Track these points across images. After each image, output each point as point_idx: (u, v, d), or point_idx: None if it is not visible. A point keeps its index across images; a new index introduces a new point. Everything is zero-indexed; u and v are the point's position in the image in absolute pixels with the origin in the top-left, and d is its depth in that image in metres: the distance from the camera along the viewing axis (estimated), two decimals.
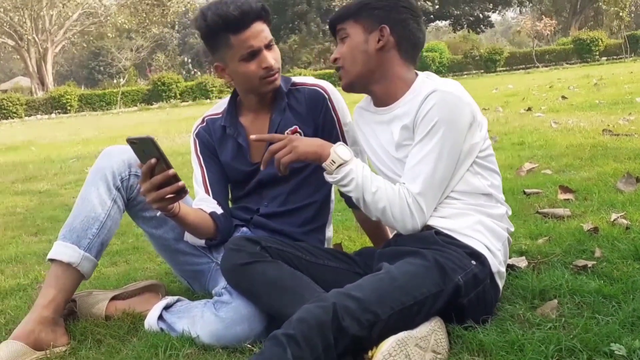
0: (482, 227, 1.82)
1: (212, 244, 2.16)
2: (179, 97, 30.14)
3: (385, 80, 1.92)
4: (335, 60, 1.96)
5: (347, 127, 2.18)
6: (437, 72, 24.82)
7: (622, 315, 1.64)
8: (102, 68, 45.40)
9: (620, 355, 1.47)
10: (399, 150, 1.89)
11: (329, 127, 2.16)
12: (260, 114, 2.17)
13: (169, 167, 1.74)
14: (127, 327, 2.02)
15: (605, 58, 29.31)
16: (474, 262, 1.73)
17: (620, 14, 34.57)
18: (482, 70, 31.33)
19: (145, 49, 42.97)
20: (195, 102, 28.46)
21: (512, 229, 1.94)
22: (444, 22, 39.44)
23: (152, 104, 28.57)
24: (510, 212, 1.95)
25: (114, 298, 2.17)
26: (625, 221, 2.51)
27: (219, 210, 2.13)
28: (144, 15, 38.77)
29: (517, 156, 4.53)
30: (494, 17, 43.46)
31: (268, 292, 1.78)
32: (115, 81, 34.18)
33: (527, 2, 42.78)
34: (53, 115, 26.95)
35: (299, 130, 2.14)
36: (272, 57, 2.03)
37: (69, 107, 28.15)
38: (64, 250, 1.98)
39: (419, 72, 1.98)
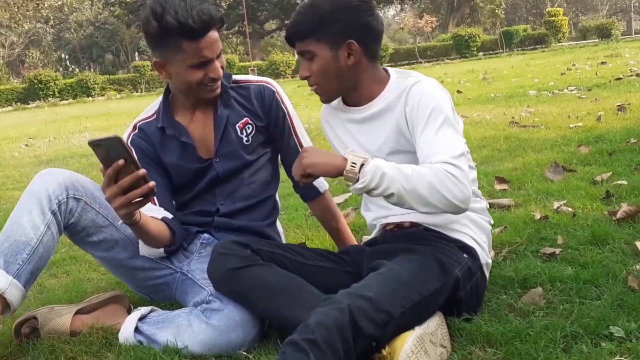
0: (468, 221, 1.85)
1: (171, 250, 2.06)
2: (57, 95, 28.66)
3: (361, 86, 1.88)
4: (307, 77, 1.88)
5: (295, 120, 2.18)
6: None
7: (609, 299, 1.73)
8: None
9: (620, 337, 1.55)
10: (390, 155, 1.83)
11: (281, 122, 2.16)
12: (199, 109, 2.10)
13: (138, 167, 1.64)
14: (99, 343, 1.89)
15: (482, 53, 30.88)
16: (465, 256, 1.76)
17: (496, 11, 36.54)
18: None
19: (19, 45, 40.44)
20: (77, 100, 27.17)
21: (492, 222, 1.99)
22: None
23: (28, 103, 27.00)
24: (487, 205, 2.00)
25: (77, 312, 2.02)
26: (569, 209, 2.65)
27: (169, 215, 2.03)
28: (16, 10, 36.55)
29: None
30: None
31: (264, 296, 1.72)
32: None
33: (408, 0, 44.17)
34: None
35: (250, 122, 2.10)
36: (220, 67, 1.98)
37: None
38: None
39: (388, 69, 1.97)
